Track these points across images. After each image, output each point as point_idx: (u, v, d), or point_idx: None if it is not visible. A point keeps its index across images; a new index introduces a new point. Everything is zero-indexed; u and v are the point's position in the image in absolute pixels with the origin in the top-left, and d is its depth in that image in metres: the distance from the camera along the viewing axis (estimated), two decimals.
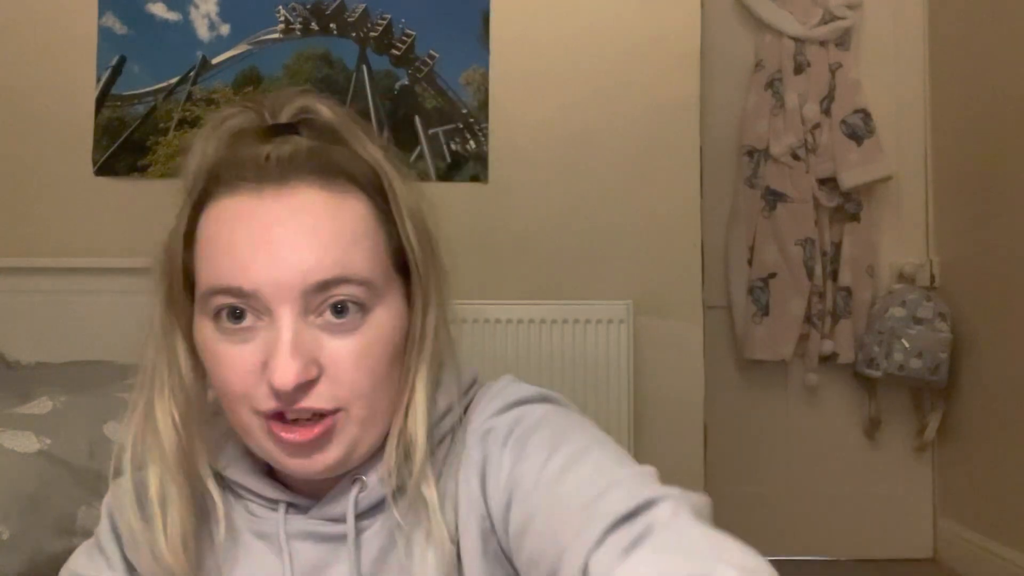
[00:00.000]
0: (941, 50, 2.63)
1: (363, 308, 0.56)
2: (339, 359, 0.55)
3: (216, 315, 0.56)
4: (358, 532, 0.60)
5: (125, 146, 2.22)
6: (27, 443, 1.11)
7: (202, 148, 0.59)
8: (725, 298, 2.64)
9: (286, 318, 0.54)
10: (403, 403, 0.60)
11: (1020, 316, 2.18)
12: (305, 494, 0.63)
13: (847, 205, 2.61)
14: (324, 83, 2.25)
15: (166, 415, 0.59)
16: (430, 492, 0.59)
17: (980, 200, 2.41)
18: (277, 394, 0.54)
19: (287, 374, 0.53)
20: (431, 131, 2.26)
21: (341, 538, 0.61)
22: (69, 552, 1.09)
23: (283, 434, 0.56)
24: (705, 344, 2.23)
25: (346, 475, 0.61)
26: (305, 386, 0.55)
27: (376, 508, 0.61)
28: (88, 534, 1.14)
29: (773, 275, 2.57)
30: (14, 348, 2.00)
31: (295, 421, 0.56)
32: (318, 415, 0.56)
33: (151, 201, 2.21)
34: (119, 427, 0.60)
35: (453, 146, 2.25)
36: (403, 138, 2.23)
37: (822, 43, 2.62)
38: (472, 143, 2.25)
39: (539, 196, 2.23)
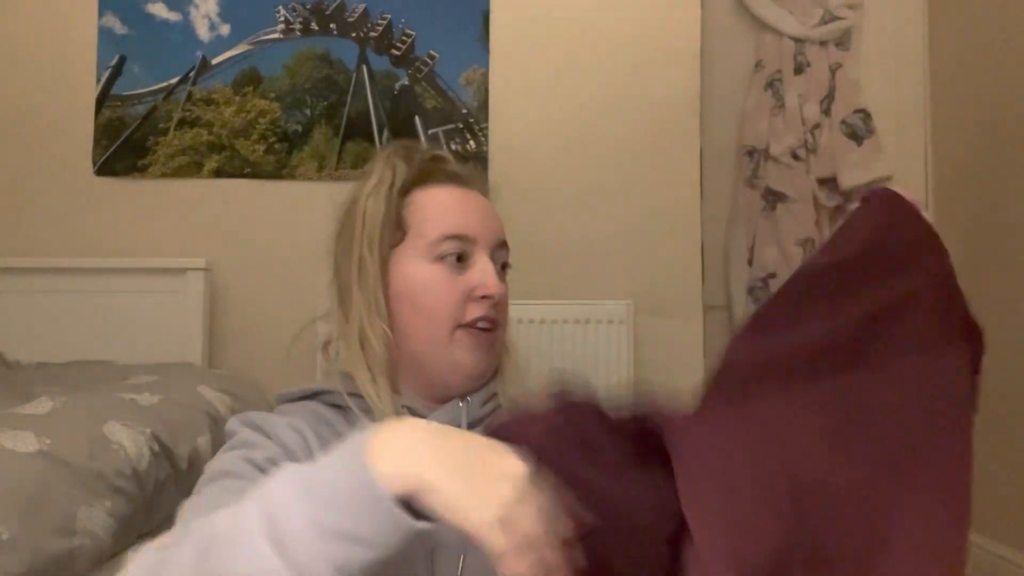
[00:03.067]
0: (941, 50, 2.63)
1: (508, 267, 0.92)
2: (503, 293, 0.87)
3: (441, 257, 0.85)
4: None
5: (125, 146, 2.22)
6: (27, 443, 1.11)
7: (399, 162, 0.90)
8: (725, 298, 2.64)
9: (486, 259, 0.86)
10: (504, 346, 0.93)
11: (1020, 316, 2.18)
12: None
13: (847, 205, 2.60)
14: (324, 83, 2.25)
15: (376, 329, 0.85)
16: None
17: (980, 200, 2.41)
18: (488, 301, 0.85)
19: (497, 287, 0.85)
20: (431, 131, 2.26)
21: None
22: (69, 552, 1.09)
23: (480, 333, 0.85)
24: (705, 344, 2.23)
25: (457, 398, 0.87)
26: (492, 303, 0.85)
27: (474, 426, 0.85)
28: (88, 534, 1.13)
29: (773, 275, 2.57)
30: (14, 348, 2.00)
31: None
32: (491, 328, 0.86)
33: (151, 201, 2.21)
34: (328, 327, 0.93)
35: (453, 146, 2.25)
36: (403, 138, 2.23)
37: (822, 43, 2.62)
38: (472, 143, 2.25)
39: (539, 196, 2.23)
